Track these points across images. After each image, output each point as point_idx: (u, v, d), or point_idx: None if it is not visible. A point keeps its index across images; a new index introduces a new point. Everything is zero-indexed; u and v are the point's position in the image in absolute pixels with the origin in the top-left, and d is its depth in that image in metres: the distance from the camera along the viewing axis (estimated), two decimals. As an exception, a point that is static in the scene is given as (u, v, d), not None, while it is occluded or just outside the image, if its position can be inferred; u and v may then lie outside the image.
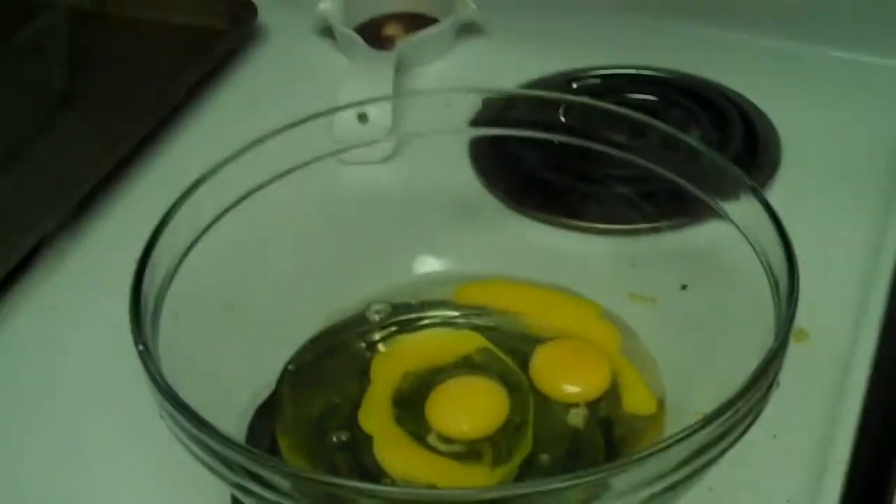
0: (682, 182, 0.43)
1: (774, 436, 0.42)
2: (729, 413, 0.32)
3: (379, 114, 0.48)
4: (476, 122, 0.48)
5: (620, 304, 0.45)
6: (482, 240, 0.50)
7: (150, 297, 0.38)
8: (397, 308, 0.45)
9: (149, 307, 0.38)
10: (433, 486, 0.38)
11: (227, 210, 0.43)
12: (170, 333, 0.39)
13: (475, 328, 0.44)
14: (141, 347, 0.35)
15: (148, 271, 0.38)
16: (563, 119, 0.48)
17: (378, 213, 0.49)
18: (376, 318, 0.45)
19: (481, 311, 0.45)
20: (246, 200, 0.44)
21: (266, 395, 0.42)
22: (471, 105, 0.49)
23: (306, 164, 0.46)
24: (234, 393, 0.42)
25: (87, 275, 0.53)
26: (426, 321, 0.45)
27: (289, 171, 0.45)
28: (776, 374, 0.34)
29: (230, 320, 0.43)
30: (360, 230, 0.49)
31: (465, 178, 0.53)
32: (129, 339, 0.36)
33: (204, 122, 0.62)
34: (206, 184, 0.42)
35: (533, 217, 0.51)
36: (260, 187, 0.44)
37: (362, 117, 0.48)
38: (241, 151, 0.43)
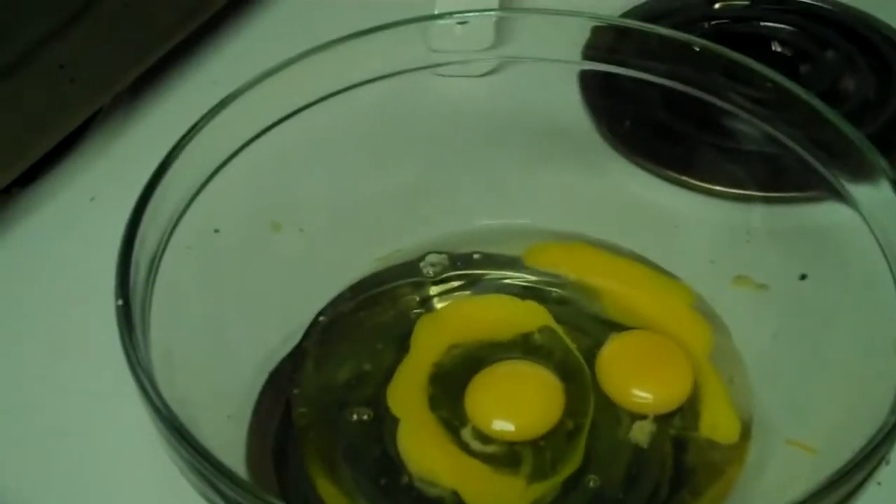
0: (805, 155, 0.35)
1: (879, 483, 0.35)
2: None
3: (480, 26, 0.41)
4: (589, 51, 0.41)
5: (720, 287, 0.38)
6: (574, 183, 0.42)
7: (153, 225, 0.32)
8: (455, 261, 0.39)
9: (150, 238, 0.32)
10: (455, 493, 0.32)
11: (288, 115, 0.37)
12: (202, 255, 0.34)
13: (542, 300, 0.38)
14: (119, 302, 0.29)
15: (161, 186, 0.33)
16: (687, 61, 0.40)
17: (459, 138, 0.43)
18: (430, 270, 0.39)
19: (553, 278, 0.39)
20: (313, 106, 0.38)
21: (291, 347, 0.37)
22: (585, 29, 0.41)
23: (392, 73, 0.39)
24: (257, 338, 0.37)
25: (133, 166, 0.48)
26: (485, 283, 0.39)
27: (370, 80, 0.39)
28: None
29: (273, 243, 0.38)
30: (436, 155, 0.42)
31: (572, 112, 0.45)
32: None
33: (283, 9, 0.56)
34: (270, 80, 0.36)
35: (639, 164, 0.43)
36: (331, 94, 0.38)
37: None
38: (315, 50, 0.37)
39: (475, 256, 0.39)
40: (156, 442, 0.28)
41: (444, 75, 0.41)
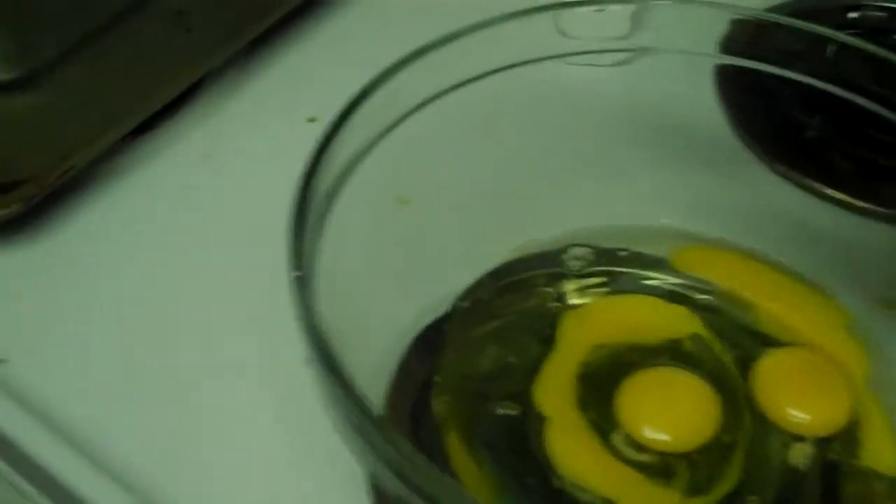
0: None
1: None
2: None
3: (617, 13, 0.39)
4: (728, 46, 0.39)
5: (873, 311, 0.36)
6: (717, 191, 0.41)
7: (318, 199, 0.31)
8: (601, 256, 0.37)
9: (316, 211, 0.30)
10: (608, 502, 0.31)
11: (424, 102, 0.36)
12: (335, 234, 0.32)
13: (693, 306, 0.36)
14: (297, 273, 0.27)
15: (322, 166, 0.31)
16: (834, 62, 0.39)
17: (597, 131, 0.41)
18: (575, 264, 0.37)
19: (702, 283, 0.37)
20: (446, 95, 0.36)
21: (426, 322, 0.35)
22: (725, 22, 0.39)
23: (525, 61, 0.38)
24: (391, 315, 0.35)
25: (247, 127, 0.46)
26: (627, 281, 0.37)
27: (503, 68, 0.38)
28: None
29: (404, 220, 0.37)
30: (573, 147, 0.41)
31: (707, 109, 0.44)
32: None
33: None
34: (408, 68, 0.35)
35: (786, 176, 0.41)
36: (466, 81, 0.37)
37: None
38: (451, 37, 0.36)
39: (621, 253, 0.38)
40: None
41: (575, 64, 0.40)
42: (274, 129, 0.46)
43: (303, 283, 0.28)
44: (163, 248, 0.41)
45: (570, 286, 0.37)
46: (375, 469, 0.25)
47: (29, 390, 0.37)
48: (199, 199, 0.43)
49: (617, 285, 0.37)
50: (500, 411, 0.33)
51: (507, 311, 0.36)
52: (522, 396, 0.33)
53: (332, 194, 0.32)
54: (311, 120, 0.46)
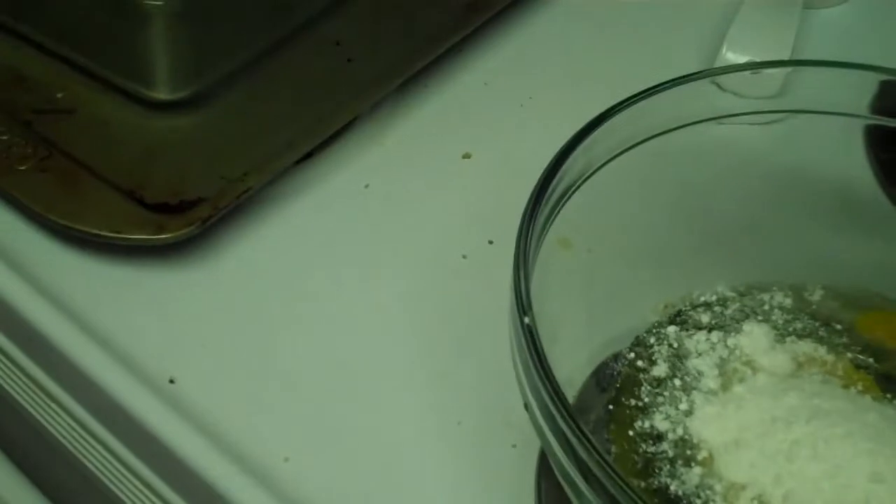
0: None
1: None
2: None
3: (771, 75, 0.40)
4: (878, 106, 0.40)
5: None
6: (871, 251, 0.41)
7: (532, 244, 0.31)
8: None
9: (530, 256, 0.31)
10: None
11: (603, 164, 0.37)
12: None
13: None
14: (527, 321, 0.28)
15: (539, 212, 0.31)
16: None
17: (752, 191, 0.42)
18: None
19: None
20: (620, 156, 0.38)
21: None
22: (874, 83, 0.40)
23: (688, 123, 0.39)
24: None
25: (405, 158, 0.47)
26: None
27: (667, 130, 0.38)
28: None
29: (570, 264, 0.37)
30: (729, 206, 0.41)
31: (860, 169, 0.44)
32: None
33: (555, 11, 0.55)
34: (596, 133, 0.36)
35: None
36: (634, 144, 0.38)
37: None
38: (629, 102, 0.37)
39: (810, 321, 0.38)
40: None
41: (730, 124, 0.40)
42: (430, 164, 0.47)
43: (532, 329, 0.28)
44: (328, 273, 0.43)
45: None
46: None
47: (197, 409, 0.38)
48: (363, 227, 0.44)
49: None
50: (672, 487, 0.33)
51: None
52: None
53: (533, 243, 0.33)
54: (466, 157, 0.47)
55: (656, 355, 0.37)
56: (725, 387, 0.35)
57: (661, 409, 0.35)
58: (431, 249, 0.43)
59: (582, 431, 0.26)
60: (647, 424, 0.34)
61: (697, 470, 0.33)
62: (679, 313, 0.38)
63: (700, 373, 0.36)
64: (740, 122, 0.41)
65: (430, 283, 0.42)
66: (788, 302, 0.38)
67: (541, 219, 0.33)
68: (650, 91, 0.37)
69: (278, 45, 0.48)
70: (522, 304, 0.29)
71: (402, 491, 0.36)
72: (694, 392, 0.35)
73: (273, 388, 0.39)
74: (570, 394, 0.36)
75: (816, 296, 0.39)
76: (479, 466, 0.37)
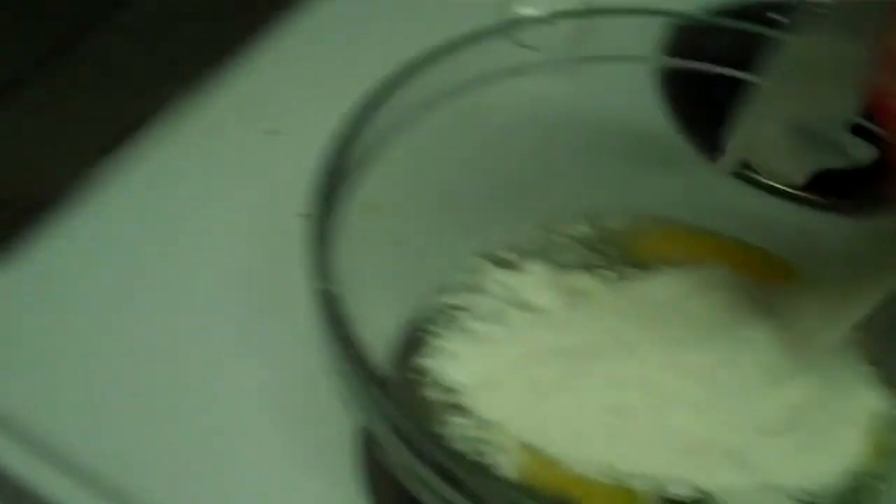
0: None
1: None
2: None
3: (563, 25, 0.42)
4: (670, 49, 0.42)
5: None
6: (662, 184, 0.43)
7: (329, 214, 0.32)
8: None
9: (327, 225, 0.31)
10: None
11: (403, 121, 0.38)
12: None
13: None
14: (323, 287, 0.29)
15: (332, 183, 0.32)
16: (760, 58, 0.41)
17: (550, 135, 0.43)
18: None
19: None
20: (420, 112, 0.38)
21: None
22: (664, 27, 0.42)
23: (485, 79, 0.40)
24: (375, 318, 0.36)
25: (210, 138, 0.47)
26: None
27: (463, 87, 0.39)
28: None
29: (378, 228, 0.38)
30: (533, 154, 0.43)
31: (650, 108, 0.46)
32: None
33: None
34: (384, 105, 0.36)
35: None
36: (433, 103, 0.39)
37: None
38: (414, 67, 0.38)
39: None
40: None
41: (526, 76, 0.41)
42: (235, 143, 0.47)
43: (329, 295, 0.29)
44: (140, 266, 0.42)
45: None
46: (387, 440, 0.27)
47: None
48: (173, 215, 0.44)
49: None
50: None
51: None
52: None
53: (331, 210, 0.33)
54: (273, 132, 0.47)
55: (457, 301, 0.38)
56: (487, 327, 0.36)
57: (441, 355, 0.36)
58: (243, 229, 0.43)
59: (379, 386, 0.27)
60: (433, 373, 0.35)
61: (460, 414, 0.34)
62: (486, 257, 0.39)
63: (475, 315, 0.37)
64: (537, 74, 0.42)
65: (244, 262, 0.42)
66: (586, 231, 0.40)
67: (338, 187, 0.33)
68: (443, 50, 0.38)
69: (75, 36, 0.47)
70: (319, 271, 0.29)
71: (229, 474, 0.36)
72: (462, 335, 0.36)
73: (93, 384, 0.38)
74: (382, 351, 0.36)
75: (613, 223, 0.40)
76: (307, 439, 0.37)
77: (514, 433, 0.33)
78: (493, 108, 0.41)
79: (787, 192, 0.43)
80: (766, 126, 0.34)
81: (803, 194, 0.43)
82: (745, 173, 0.44)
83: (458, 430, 0.33)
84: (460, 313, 0.37)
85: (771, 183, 0.43)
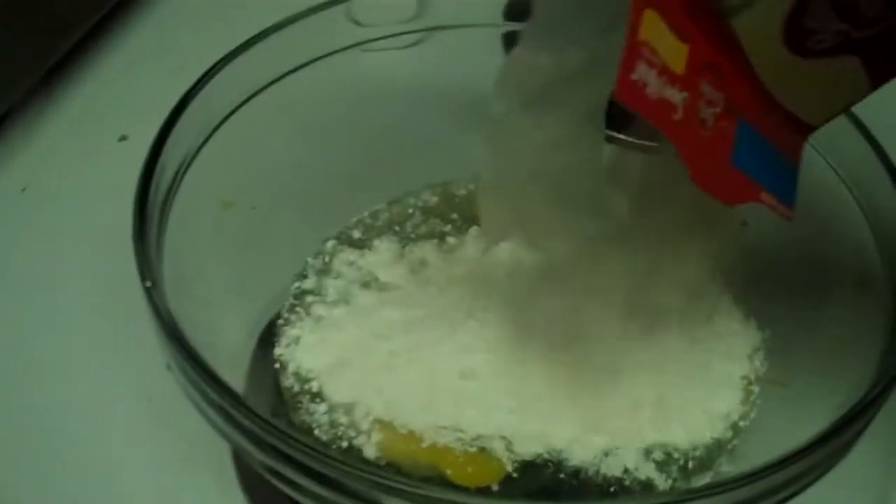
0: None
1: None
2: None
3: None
4: (511, 13, 0.42)
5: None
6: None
7: (154, 211, 0.32)
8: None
9: (154, 223, 0.31)
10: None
11: (238, 106, 0.37)
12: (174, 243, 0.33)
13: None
14: (148, 284, 0.29)
15: (154, 179, 0.32)
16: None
17: (397, 111, 0.43)
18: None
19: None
20: (257, 95, 0.38)
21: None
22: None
23: (325, 54, 0.40)
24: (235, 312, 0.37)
25: (60, 156, 0.46)
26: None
27: (304, 63, 0.39)
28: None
29: (233, 223, 0.38)
30: (373, 130, 0.43)
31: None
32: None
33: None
34: (218, 76, 0.36)
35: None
36: (273, 80, 0.39)
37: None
38: (254, 40, 0.37)
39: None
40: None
41: (371, 50, 0.41)
42: (86, 152, 0.46)
43: (154, 291, 0.29)
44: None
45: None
46: (238, 442, 0.27)
47: None
48: (24, 233, 0.43)
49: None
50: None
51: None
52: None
53: (165, 207, 0.33)
54: (122, 139, 0.47)
55: (309, 286, 0.38)
56: (332, 311, 0.36)
57: (291, 343, 0.36)
58: (102, 237, 0.43)
59: (214, 380, 0.27)
60: (285, 362, 0.35)
61: (316, 401, 0.34)
62: (339, 239, 0.40)
63: (323, 299, 0.37)
64: (382, 48, 0.42)
65: (106, 270, 0.42)
66: (434, 200, 0.40)
67: (160, 183, 0.33)
68: (276, 27, 0.38)
69: None
70: (142, 269, 0.29)
71: (101, 483, 0.36)
72: (310, 321, 0.36)
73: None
74: (244, 345, 0.37)
75: (459, 190, 0.41)
76: (175, 438, 0.37)
77: (367, 411, 0.33)
78: (342, 87, 0.41)
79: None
80: (518, 195, 0.34)
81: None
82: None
83: (315, 417, 0.34)
84: (312, 298, 0.37)
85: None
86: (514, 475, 0.32)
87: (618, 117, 0.36)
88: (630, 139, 0.43)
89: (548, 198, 0.33)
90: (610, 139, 0.42)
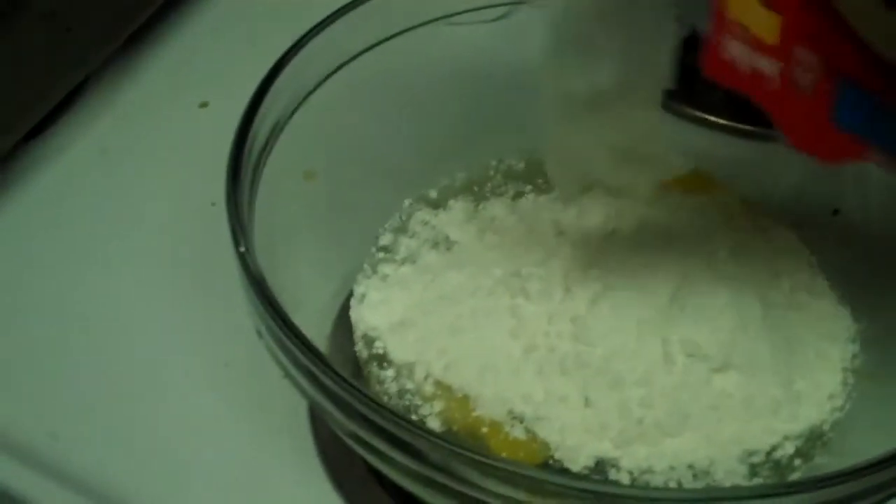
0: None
1: None
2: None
3: None
4: None
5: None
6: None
7: (247, 177, 0.32)
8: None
9: (245, 189, 0.31)
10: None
11: (325, 77, 0.37)
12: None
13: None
14: (242, 249, 0.29)
15: (247, 145, 0.32)
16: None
17: (483, 84, 0.43)
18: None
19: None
20: (343, 67, 0.38)
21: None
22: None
23: (411, 27, 0.39)
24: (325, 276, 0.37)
25: (140, 119, 0.47)
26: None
27: (391, 36, 0.39)
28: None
29: (316, 192, 0.38)
30: (461, 102, 0.42)
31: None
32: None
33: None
34: (307, 46, 0.36)
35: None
36: (360, 52, 0.38)
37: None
38: (342, 11, 0.37)
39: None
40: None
41: (457, 24, 0.41)
42: (167, 117, 0.46)
43: (248, 256, 0.29)
44: (79, 244, 0.42)
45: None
46: (319, 402, 0.27)
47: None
48: (103, 194, 0.44)
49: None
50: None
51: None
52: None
53: (256, 174, 0.33)
54: (203, 105, 0.47)
55: (385, 240, 0.38)
56: (399, 270, 0.36)
57: (358, 303, 0.36)
58: (180, 202, 0.43)
59: (301, 345, 0.27)
60: (355, 322, 0.35)
61: (382, 365, 0.34)
62: (418, 200, 0.40)
63: (392, 258, 0.37)
64: (468, 22, 0.41)
65: (184, 234, 0.42)
66: (517, 165, 0.40)
67: (254, 150, 0.33)
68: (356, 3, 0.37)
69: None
70: (236, 235, 0.29)
71: (178, 445, 0.36)
72: (376, 280, 0.36)
73: (35, 364, 0.38)
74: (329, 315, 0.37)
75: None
76: (252, 404, 0.37)
77: (427, 372, 0.33)
78: (422, 59, 0.40)
79: (716, 122, 0.44)
80: (586, 153, 0.33)
81: (731, 124, 0.43)
82: (675, 107, 0.44)
83: (384, 387, 0.34)
84: (383, 255, 0.37)
85: (700, 115, 0.44)
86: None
87: (680, 92, 0.36)
88: (693, 112, 0.43)
89: (611, 149, 0.33)
90: (675, 111, 0.42)
